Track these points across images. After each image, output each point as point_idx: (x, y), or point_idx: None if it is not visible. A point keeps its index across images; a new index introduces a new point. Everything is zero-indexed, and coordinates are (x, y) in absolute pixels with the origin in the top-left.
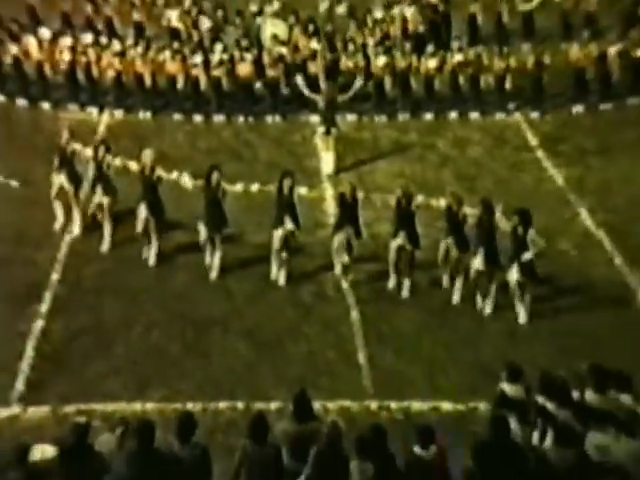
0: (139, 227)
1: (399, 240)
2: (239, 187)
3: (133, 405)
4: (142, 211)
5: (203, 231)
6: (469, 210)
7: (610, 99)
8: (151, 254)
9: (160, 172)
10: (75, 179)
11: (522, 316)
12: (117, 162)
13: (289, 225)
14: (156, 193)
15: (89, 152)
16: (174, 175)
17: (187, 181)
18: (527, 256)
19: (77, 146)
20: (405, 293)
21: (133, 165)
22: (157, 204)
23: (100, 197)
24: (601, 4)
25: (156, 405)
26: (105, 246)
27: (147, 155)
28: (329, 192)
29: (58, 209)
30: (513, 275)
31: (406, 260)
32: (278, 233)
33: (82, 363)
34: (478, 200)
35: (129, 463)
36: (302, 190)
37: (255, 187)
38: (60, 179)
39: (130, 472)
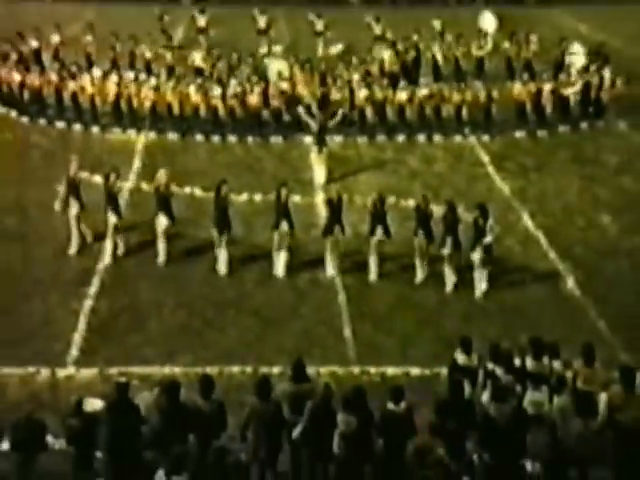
0: (160, 233)
1: (376, 237)
2: (246, 197)
3: (164, 369)
4: (162, 221)
5: (214, 233)
6: (435, 208)
7: (545, 127)
8: (161, 254)
9: (174, 188)
10: (82, 204)
11: (478, 291)
12: (128, 185)
13: (285, 227)
14: (169, 206)
15: (98, 178)
16: (187, 190)
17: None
18: (488, 240)
19: (85, 175)
20: (373, 277)
21: (147, 185)
22: (171, 215)
23: (110, 217)
24: (537, 53)
25: (182, 369)
26: (107, 259)
27: (162, 175)
28: (321, 198)
29: (75, 234)
30: (476, 255)
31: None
32: (276, 234)
33: (123, 335)
34: (441, 205)
35: (161, 415)
36: (297, 197)
37: (259, 197)
38: (74, 206)
39: (162, 422)
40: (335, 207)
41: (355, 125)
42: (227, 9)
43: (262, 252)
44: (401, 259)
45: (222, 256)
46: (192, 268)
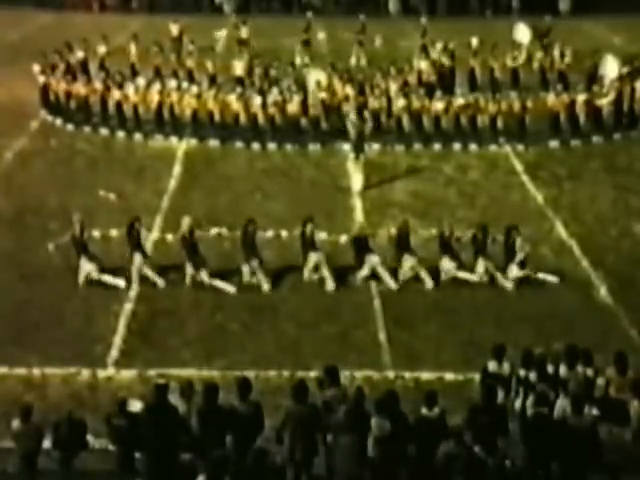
0: (188, 280)
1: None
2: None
3: (201, 372)
4: (188, 268)
5: (245, 268)
6: (460, 233)
7: (578, 137)
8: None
9: (198, 234)
10: (96, 259)
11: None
12: (155, 234)
13: (314, 257)
14: (197, 251)
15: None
16: (214, 231)
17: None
18: (519, 257)
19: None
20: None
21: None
22: (199, 259)
23: (136, 261)
24: (571, 65)
25: (219, 372)
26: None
27: (185, 223)
28: (357, 205)
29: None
30: (511, 272)
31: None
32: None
33: (162, 337)
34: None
35: (198, 417)
36: (323, 235)
37: (285, 233)
38: (86, 266)
39: (199, 424)
40: (362, 244)
41: (392, 133)
42: (268, 19)
43: (298, 257)
44: (434, 264)
45: (259, 278)
46: (230, 274)
